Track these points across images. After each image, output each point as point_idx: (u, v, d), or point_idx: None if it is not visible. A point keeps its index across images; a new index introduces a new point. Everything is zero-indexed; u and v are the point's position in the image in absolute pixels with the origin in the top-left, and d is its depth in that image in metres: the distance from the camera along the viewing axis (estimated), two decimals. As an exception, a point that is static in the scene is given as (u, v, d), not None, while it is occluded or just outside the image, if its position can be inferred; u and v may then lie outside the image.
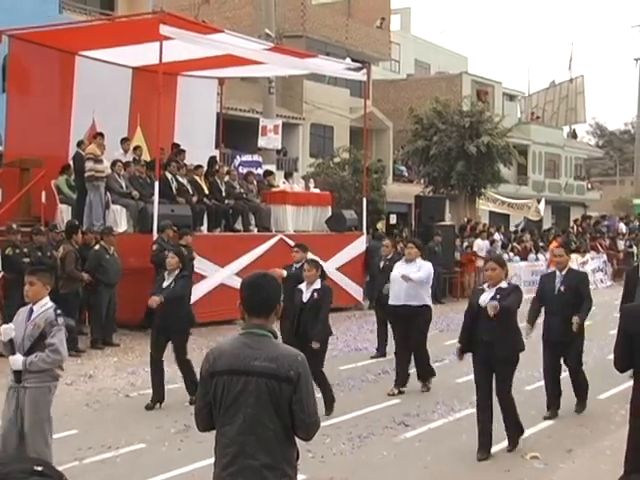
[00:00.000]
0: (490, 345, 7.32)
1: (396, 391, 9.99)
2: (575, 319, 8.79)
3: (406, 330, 10.20)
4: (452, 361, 11.93)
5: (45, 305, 6.18)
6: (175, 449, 7.56)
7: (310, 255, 11.15)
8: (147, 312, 9.65)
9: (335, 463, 7.21)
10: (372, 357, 12.29)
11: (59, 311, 6.21)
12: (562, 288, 8.94)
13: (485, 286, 7.65)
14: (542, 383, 10.70)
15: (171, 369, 11.18)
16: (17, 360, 6.01)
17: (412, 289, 10.10)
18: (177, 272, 9.36)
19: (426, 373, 10.39)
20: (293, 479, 3.79)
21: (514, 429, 7.64)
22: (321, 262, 17.26)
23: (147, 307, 9.66)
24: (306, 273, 9.20)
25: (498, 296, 7.38)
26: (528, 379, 10.78)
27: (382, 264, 12.27)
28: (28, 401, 6.04)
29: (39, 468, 1.83)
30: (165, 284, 9.37)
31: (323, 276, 9.34)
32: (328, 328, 9.50)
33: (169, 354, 12.44)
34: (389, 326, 11.23)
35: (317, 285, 9.13)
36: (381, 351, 12.31)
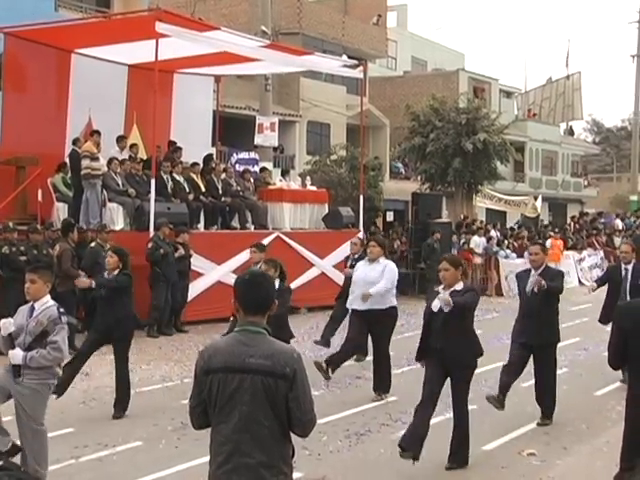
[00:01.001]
0: (443, 352, 6.91)
1: (383, 396, 9.59)
2: (542, 281, 8.18)
3: (370, 332, 9.70)
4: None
5: (47, 303, 6.23)
6: (172, 447, 7.55)
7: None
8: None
9: (332, 461, 7.22)
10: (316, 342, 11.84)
11: (62, 309, 6.25)
12: (535, 288, 8.34)
13: (440, 288, 7.11)
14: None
15: (168, 366, 11.22)
16: (17, 355, 6.04)
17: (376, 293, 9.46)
18: (117, 272, 8.76)
19: (385, 385, 9.65)
20: (289, 477, 3.78)
21: (464, 446, 7.11)
22: (318, 259, 17.37)
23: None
24: None
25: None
26: (524, 376, 10.74)
27: (349, 263, 12.00)
28: (28, 395, 6.06)
29: None
30: None
31: (282, 277, 8.67)
32: (289, 331, 9.18)
33: (167, 353, 12.47)
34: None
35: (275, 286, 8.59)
36: (324, 341, 11.85)
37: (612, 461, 6.18)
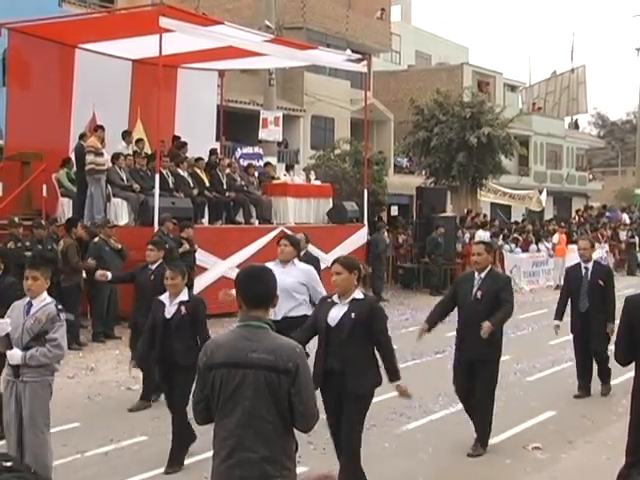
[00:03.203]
0: (341, 376, 5.72)
1: None
2: (486, 324, 7.03)
3: None
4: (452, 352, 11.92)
5: (45, 300, 6.09)
6: (177, 441, 7.55)
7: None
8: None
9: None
10: None
11: (60, 306, 6.15)
12: (479, 294, 7.32)
13: (335, 297, 5.87)
14: (543, 374, 10.75)
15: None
16: (16, 354, 5.92)
17: (289, 300, 7.79)
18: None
19: None
20: (292, 471, 3.78)
21: None
22: (322, 254, 17.37)
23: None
24: (169, 282, 7.25)
25: (353, 314, 5.71)
26: (530, 370, 10.80)
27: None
28: (28, 396, 5.99)
29: (8, 464, 1.82)
30: None
31: (190, 284, 7.21)
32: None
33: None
34: None
35: (184, 297, 7.29)
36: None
37: (617, 455, 6.17)
